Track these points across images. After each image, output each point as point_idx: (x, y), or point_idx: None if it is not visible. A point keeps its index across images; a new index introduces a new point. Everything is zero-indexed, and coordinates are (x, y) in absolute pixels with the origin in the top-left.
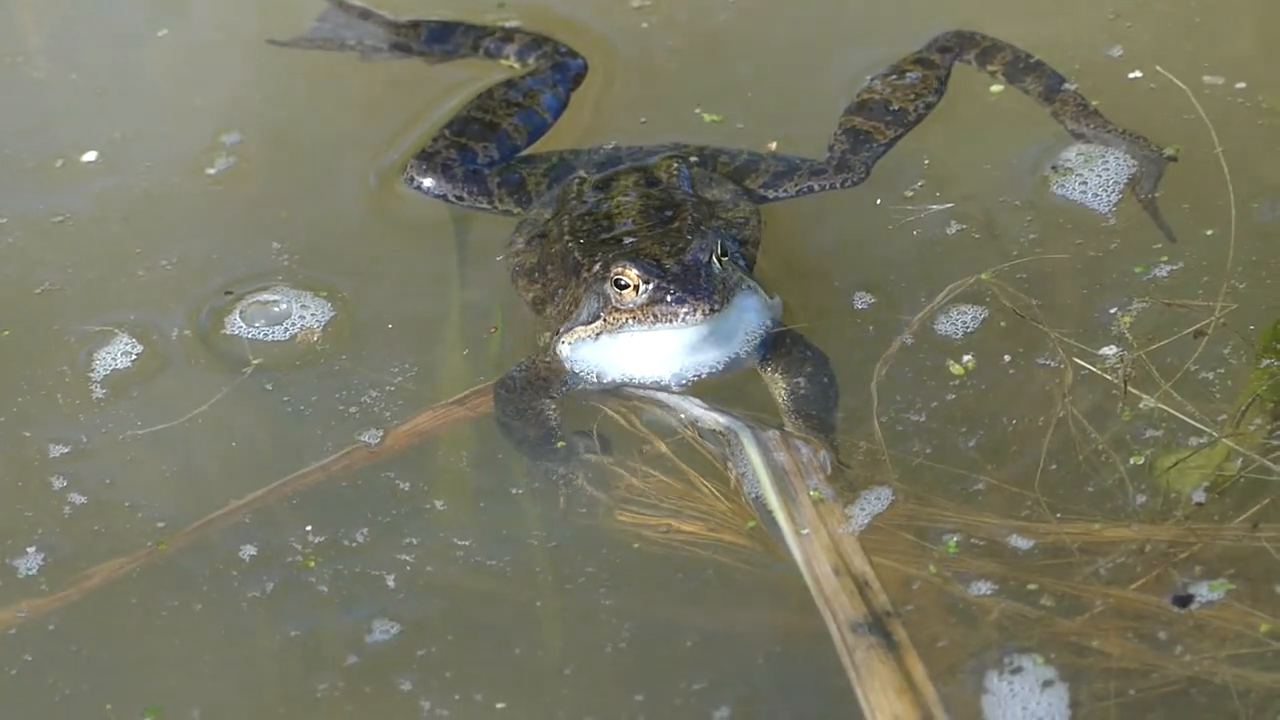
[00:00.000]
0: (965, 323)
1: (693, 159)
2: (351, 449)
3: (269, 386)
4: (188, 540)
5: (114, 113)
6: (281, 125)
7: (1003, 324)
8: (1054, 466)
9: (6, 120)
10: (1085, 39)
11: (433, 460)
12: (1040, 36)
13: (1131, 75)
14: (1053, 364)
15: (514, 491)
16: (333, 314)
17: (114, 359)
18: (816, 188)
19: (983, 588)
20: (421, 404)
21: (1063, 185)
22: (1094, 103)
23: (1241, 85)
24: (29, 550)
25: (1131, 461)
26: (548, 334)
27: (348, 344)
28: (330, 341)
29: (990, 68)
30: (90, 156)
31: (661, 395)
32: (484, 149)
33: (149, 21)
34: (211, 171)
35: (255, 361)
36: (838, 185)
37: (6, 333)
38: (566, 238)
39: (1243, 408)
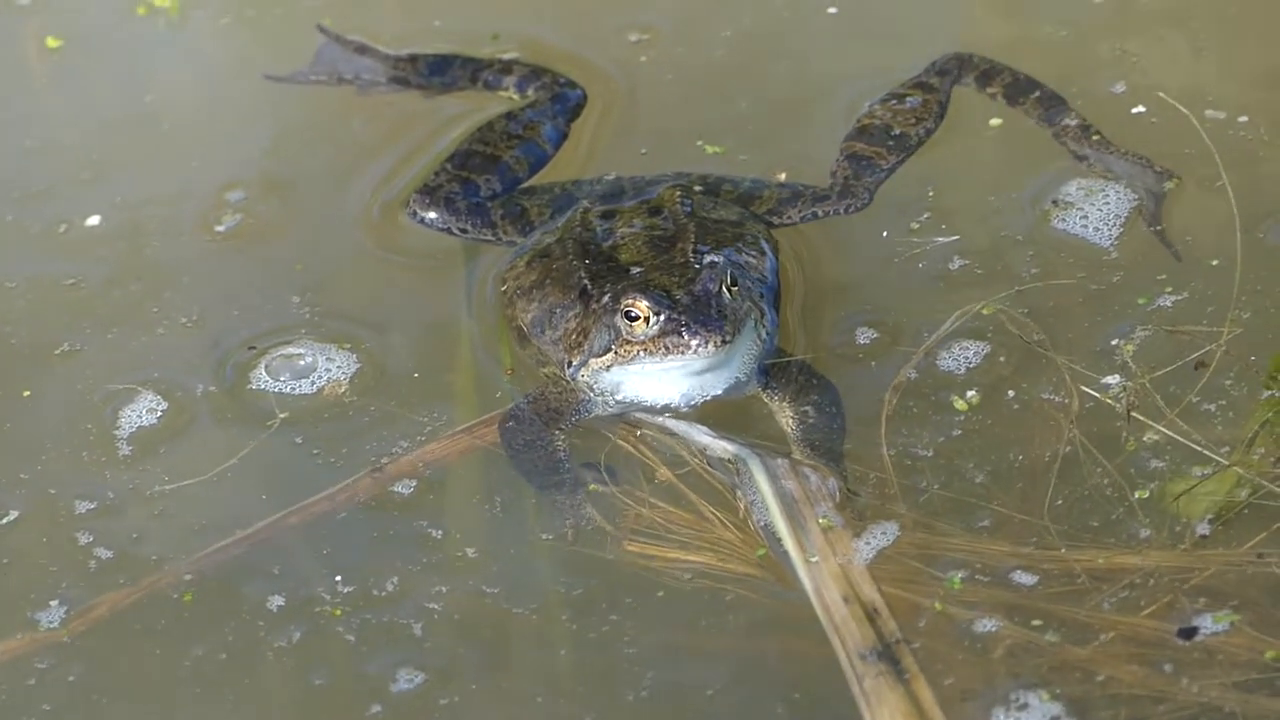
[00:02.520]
0: (968, 358)
1: (696, 187)
2: (355, 479)
3: (298, 440)
4: (213, 591)
5: (112, 177)
6: (283, 175)
7: (1003, 359)
8: (1060, 501)
9: (5, 187)
10: (1089, 74)
11: (466, 507)
12: (1044, 71)
13: (1135, 110)
14: (1056, 398)
15: (545, 538)
16: (358, 365)
17: (139, 416)
18: (821, 214)
19: (991, 616)
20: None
21: (1064, 219)
22: (1094, 134)
23: (1244, 119)
24: (52, 604)
25: (1137, 494)
26: (553, 365)
27: (375, 395)
28: (358, 393)
29: (990, 90)
30: (94, 220)
31: (670, 424)
32: (486, 181)
33: (138, 85)
34: (220, 229)
35: (281, 415)
36: (842, 211)
37: (27, 393)
38: (571, 257)
39: (1250, 435)
